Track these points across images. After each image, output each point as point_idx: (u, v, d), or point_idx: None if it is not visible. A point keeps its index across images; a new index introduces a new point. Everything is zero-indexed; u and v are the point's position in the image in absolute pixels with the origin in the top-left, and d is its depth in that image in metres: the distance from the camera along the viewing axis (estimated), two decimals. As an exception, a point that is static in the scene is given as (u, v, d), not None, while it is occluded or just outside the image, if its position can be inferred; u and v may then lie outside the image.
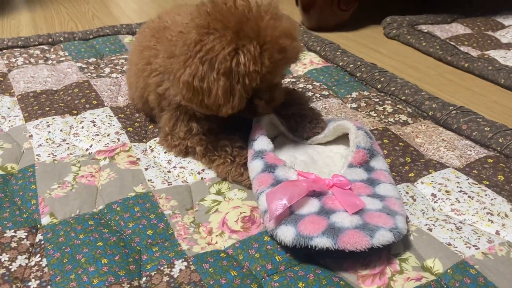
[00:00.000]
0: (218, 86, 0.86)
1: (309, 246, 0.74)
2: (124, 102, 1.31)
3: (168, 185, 0.95)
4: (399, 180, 0.97)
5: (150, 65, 1.05)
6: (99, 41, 1.75)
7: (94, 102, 1.29)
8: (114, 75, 1.48)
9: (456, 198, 0.92)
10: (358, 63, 1.54)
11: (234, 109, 0.90)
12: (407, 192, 0.94)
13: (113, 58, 1.61)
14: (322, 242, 0.73)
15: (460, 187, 0.95)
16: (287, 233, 0.76)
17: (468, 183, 0.96)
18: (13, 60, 1.58)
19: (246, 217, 0.86)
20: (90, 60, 1.59)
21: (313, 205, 0.80)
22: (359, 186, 0.86)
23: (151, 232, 0.83)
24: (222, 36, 0.85)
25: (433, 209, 0.91)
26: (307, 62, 1.60)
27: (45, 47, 1.68)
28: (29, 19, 2.16)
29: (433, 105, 1.26)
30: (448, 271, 0.74)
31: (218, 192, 0.94)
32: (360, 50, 1.82)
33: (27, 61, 1.57)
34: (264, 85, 0.91)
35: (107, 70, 1.52)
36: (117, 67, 1.53)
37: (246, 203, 0.90)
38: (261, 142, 0.92)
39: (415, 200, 0.92)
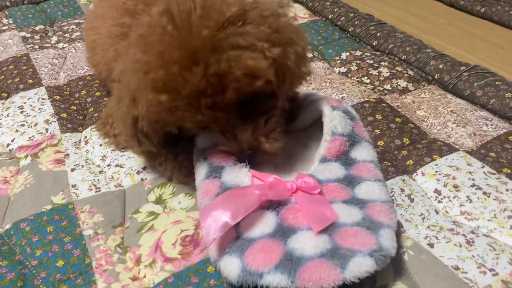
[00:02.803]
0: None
1: (258, 287, 0.54)
2: (65, 79, 1.09)
3: (96, 191, 0.75)
4: (392, 172, 0.75)
5: (127, 37, 0.80)
6: (50, 4, 1.51)
7: (30, 81, 1.07)
8: (60, 45, 1.25)
9: (467, 196, 0.70)
10: (351, 15, 1.28)
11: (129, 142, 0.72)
12: (402, 190, 0.72)
13: (63, 24, 1.38)
14: (275, 280, 0.53)
15: (473, 180, 0.72)
16: (231, 267, 0.55)
17: (484, 172, 0.74)
18: (-51, 32, 1.36)
19: (187, 237, 0.66)
20: (37, 28, 1.36)
21: (267, 222, 0.59)
22: (333, 189, 0.64)
23: (62, 262, 0.63)
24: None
25: (437, 212, 0.69)
26: (290, 17, 1.34)
27: (-13, 15, 1.45)
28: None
29: (440, 66, 1.01)
30: (454, 312, 0.54)
31: (158, 200, 0.73)
32: (357, -2, 1.55)
33: (-36, 33, 1.35)
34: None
35: (54, 39, 1.29)
36: (66, 35, 1.30)
37: (191, 215, 0.69)
38: (204, 137, 0.70)
39: (412, 200, 0.70)
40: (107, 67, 0.88)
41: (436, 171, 0.75)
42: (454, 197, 0.70)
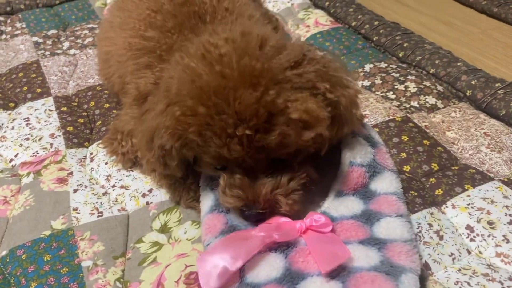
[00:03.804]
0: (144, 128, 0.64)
1: None
2: (74, 89, 1.05)
3: (98, 216, 0.70)
4: (419, 204, 0.69)
5: (153, 53, 0.76)
6: (65, 7, 1.48)
7: (38, 90, 1.04)
8: (72, 51, 1.21)
9: (503, 235, 0.63)
10: (376, 22, 1.21)
11: (151, 165, 0.67)
12: (430, 225, 0.65)
13: (76, 29, 1.34)
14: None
15: (510, 216, 0.65)
16: (235, 317, 0.50)
17: (522, 207, 0.66)
18: (-38, 36, 1.33)
19: (192, 274, 0.60)
20: (50, 32, 1.32)
21: (275, 265, 0.53)
22: (349, 227, 0.58)
23: (57, 298, 0.59)
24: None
25: (469, 252, 0.62)
26: (311, 24, 1.28)
27: (1, 18, 1.42)
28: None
29: (473, 81, 0.93)
30: None
31: (163, 228, 0.68)
32: (382, 3, 1.47)
33: (-23, 37, 1.32)
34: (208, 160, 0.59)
35: (66, 44, 1.25)
36: (78, 40, 1.26)
37: (197, 247, 0.64)
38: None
39: (441, 238, 0.64)
40: (121, 80, 0.83)
41: (468, 204, 0.68)
42: (488, 236, 0.63)
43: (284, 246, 0.55)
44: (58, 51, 1.22)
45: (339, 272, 0.52)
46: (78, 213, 0.71)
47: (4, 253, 0.66)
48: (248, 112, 0.52)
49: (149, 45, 0.77)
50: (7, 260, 0.65)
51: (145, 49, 0.77)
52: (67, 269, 0.62)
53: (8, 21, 1.41)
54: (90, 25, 1.35)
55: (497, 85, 0.90)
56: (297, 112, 0.52)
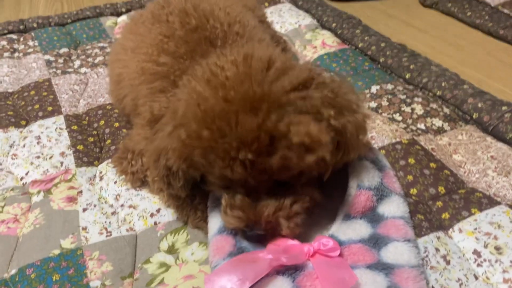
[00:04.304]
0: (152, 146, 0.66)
1: None
2: (84, 108, 1.06)
3: (107, 236, 0.71)
4: (426, 228, 0.69)
5: (167, 79, 0.77)
6: (76, 26, 1.50)
7: (49, 108, 1.05)
8: (83, 69, 1.23)
9: (510, 261, 0.63)
10: (382, 44, 1.22)
11: (156, 184, 0.71)
12: (437, 249, 0.65)
13: (87, 47, 1.36)
14: None
15: (517, 241, 0.65)
16: None
17: (530, 232, 0.66)
18: (-25, 54, 1.36)
19: (199, 295, 0.61)
20: (61, 51, 1.34)
21: None
22: (356, 251, 0.58)
23: (65, 319, 0.59)
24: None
25: (476, 278, 0.62)
26: (318, 45, 1.29)
27: (14, 37, 1.44)
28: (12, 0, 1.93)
29: (479, 104, 0.94)
30: None
31: (171, 249, 0.68)
32: (389, 24, 1.49)
33: (-10, 55, 1.35)
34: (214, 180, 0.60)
35: (77, 63, 1.27)
36: (89, 59, 1.29)
37: (204, 269, 0.65)
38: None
39: (448, 262, 0.64)
40: (134, 102, 0.84)
41: (475, 228, 0.68)
42: (496, 261, 0.63)
43: (291, 270, 0.55)
44: (69, 70, 1.24)
45: (347, 298, 0.52)
46: (87, 232, 0.72)
47: (13, 271, 0.67)
48: (249, 136, 0.53)
49: (162, 71, 0.78)
50: (17, 279, 0.66)
51: (159, 74, 0.79)
52: (75, 289, 0.63)
53: (21, 39, 1.44)
54: (101, 44, 1.37)
55: (503, 108, 0.91)
56: (299, 136, 0.53)
